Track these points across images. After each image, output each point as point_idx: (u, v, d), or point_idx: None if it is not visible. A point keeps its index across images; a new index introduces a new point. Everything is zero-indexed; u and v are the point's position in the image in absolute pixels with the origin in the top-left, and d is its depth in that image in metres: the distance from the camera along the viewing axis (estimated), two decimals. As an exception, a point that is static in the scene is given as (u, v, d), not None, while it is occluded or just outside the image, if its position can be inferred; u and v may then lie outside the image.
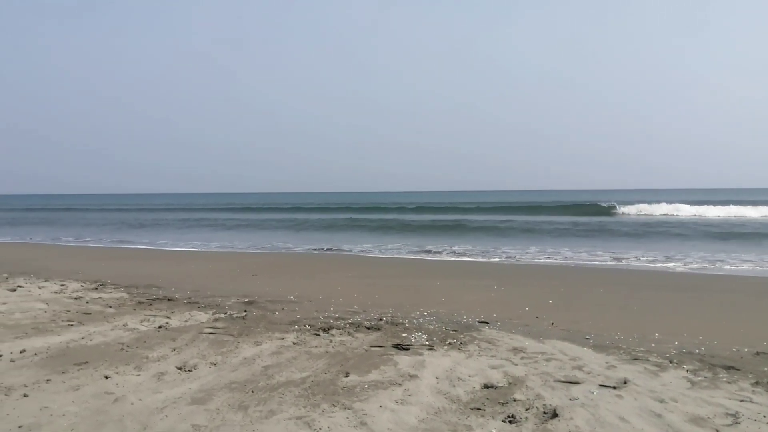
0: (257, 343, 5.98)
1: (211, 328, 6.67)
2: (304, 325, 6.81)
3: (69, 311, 7.59)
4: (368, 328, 6.69)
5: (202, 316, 7.33)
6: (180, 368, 5.12)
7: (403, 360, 5.40)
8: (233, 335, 6.33)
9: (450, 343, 6.06)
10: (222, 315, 7.41)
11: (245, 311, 7.68)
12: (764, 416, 4.07)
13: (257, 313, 7.61)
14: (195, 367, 5.19)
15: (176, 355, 5.56)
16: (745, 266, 13.57)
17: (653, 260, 14.74)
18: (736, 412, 4.16)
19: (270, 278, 11.32)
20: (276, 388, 4.59)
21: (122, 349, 5.75)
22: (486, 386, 4.68)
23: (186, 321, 7.06)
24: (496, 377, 4.92)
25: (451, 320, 7.29)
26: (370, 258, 16.29)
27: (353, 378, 4.85)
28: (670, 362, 5.45)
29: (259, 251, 18.64)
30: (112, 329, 6.59)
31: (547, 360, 5.47)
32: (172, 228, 30.90)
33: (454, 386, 4.68)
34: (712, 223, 28.90)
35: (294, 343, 5.99)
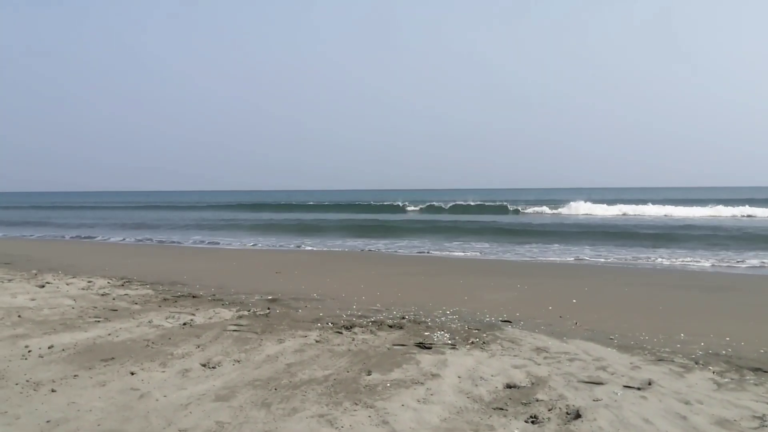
0: (280, 341, 6.02)
1: (234, 325, 6.73)
2: (327, 323, 6.84)
3: (96, 307, 7.70)
4: (391, 327, 6.70)
5: (226, 314, 7.39)
6: (204, 365, 5.18)
7: (426, 359, 5.40)
8: (257, 333, 6.38)
9: (472, 342, 6.05)
10: (246, 312, 7.47)
11: (268, 309, 7.73)
12: (792, 419, 4.01)
13: (280, 310, 7.66)
14: (219, 364, 5.24)
15: (200, 352, 5.62)
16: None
17: (677, 259, 14.55)
18: (764, 414, 4.10)
19: (293, 276, 11.38)
20: (299, 386, 4.62)
21: (147, 345, 5.83)
22: (509, 386, 4.67)
23: (210, 318, 7.13)
24: (519, 377, 4.90)
25: (473, 319, 7.28)
26: (392, 256, 16.31)
27: (375, 376, 4.86)
28: (696, 363, 5.38)
29: (283, 249, 18.75)
30: (137, 326, 6.67)
31: (571, 360, 5.44)
32: (238, 228, 30.30)
33: (476, 386, 4.67)
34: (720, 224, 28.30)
35: (317, 341, 6.02)
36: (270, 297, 8.72)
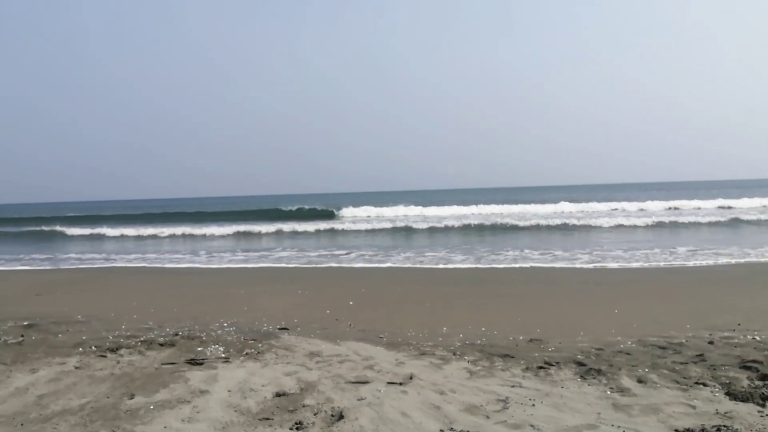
0: (33, 371, 5.48)
1: (-21, 358, 6.01)
2: (90, 347, 6.36)
3: None
4: (162, 345, 6.40)
5: (-30, 346, 6.58)
6: (-65, 408, 4.56)
7: (195, 375, 5.24)
8: (6, 364, 5.75)
9: (247, 353, 5.99)
10: (-6, 342, 6.70)
11: (22, 336, 7.00)
12: (530, 399, 4.49)
13: (37, 336, 6.97)
14: (-45, 404, 4.65)
15: (-68, 392, 4.94)
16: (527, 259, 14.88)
17: (445, 258, 15.65)
18: (507, 397, 4.54)
19: (57, 297, 10.44)
20: (50, 419, 4.24)
21: None
22: (278, 394, 4.69)
23: (-51, 352, 6.29)
24: (289, 384, 4.94)
25: (251, 329, 7.21)
26: (171, 269, 15.59)
27: (138, 400, 4.62)
28: (454, 354, 5.82)
29: (49, 267, 17.07)
30: None
31: (341, 362, 5.60)
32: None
33: (245, 398, 4.63)
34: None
35: (76, 368, 5.57)
36: (26, 322, 7.88)
